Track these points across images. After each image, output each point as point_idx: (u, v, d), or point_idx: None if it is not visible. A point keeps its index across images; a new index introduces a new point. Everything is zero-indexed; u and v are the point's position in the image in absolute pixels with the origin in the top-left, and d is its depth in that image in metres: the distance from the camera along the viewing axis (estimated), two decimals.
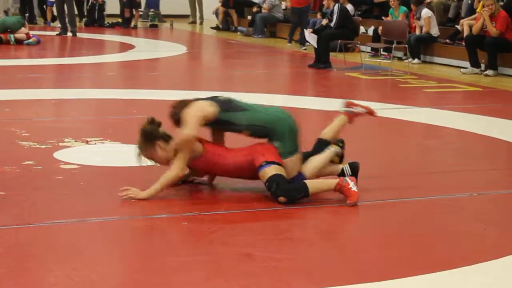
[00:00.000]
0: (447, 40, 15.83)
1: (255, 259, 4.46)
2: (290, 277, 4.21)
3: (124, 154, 6.51)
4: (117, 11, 24.26)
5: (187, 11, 26.97)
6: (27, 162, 6.51)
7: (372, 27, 17.26)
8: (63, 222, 5.05)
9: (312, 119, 9.10)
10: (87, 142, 7.37)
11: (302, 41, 17.62)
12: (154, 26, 24.72)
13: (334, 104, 10.09)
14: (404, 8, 16.18)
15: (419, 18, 15.72)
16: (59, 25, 20.55)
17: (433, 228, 5.17)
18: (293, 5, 18.16)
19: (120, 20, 24.03)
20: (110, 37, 20.00)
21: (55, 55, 16.84)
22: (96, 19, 24.17)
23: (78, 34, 20.17)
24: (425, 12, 15.64)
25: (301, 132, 5.80)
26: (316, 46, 14.20)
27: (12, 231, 4.86)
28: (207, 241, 4.78)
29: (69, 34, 20.02)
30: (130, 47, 17.90)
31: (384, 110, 9.60)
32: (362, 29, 16.73)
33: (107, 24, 23.97)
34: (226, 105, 5.74)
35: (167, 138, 5.68)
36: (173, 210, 5.33)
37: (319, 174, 5.88)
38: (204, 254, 4.53)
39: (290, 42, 19.20)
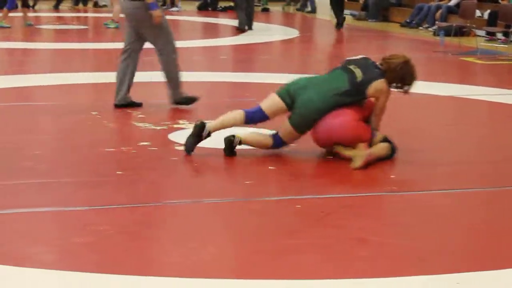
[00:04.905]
0: None
1: (368, 244, 4.42)
2: (403, 263, 4.15)
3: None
4: None
5: None
6: (142, 143, 6.62)
7: (488, 11, 16.81)
8: (177, 203, 5.12)
9: (423, 105, 8.94)
10: None
11: None
12: (265, 10, 24.86)
13: (450, 89, 9.95)
14: None
15: None
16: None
17: None
18: None
19: (232, 4, 24.16)
20: (223, 20, 20.13)
21: None
22: (209, 3, 24.40)
23: (188, 18, 20.32)
24: None
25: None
26: None
27: (127, 210, 4.95)
28: (320, 225, 4.76)
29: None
30: (242, 30, 17.96)
31: (502, 96, 9.36)
32: (477, 12, 16.32)
33: (220, 8, 24.17)
34: None
35: None
36: (287, 193, 5.32)
37: None
38: (317, 238, 4.51)
39: None
